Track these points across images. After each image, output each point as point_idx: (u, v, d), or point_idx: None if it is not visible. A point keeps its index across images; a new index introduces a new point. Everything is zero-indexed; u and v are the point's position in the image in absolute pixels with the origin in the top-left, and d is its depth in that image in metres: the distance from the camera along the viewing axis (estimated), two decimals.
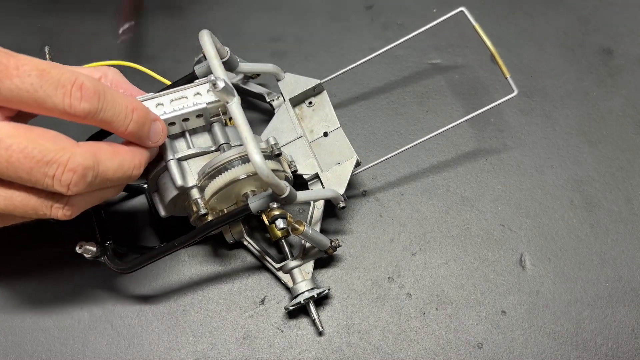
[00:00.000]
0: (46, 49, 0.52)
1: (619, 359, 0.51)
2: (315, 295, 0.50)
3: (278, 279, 0.52)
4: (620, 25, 0.67)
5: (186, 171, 0.47)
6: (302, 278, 0.50)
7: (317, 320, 0.51)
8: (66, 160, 0.37)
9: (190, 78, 0.49)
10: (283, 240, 0.52)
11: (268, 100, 0.56)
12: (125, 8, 0.55)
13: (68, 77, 0.37)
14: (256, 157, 0.40)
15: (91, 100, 0.38)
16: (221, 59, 0.47)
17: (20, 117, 0.40)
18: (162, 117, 0.45)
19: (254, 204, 0.44)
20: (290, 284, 0.51)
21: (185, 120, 0.47)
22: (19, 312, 0.52)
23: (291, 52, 0.65)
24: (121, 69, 0.52)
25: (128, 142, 0.43)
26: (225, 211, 0.48)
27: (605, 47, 0.66)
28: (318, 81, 0.55)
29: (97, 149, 0.39)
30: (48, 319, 0.52)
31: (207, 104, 0.46)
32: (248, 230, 0.52)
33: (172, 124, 0.46)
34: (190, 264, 0.54)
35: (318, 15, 0.68)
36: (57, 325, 0.52)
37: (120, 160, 0.41)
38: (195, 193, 0.47)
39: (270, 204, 0.44)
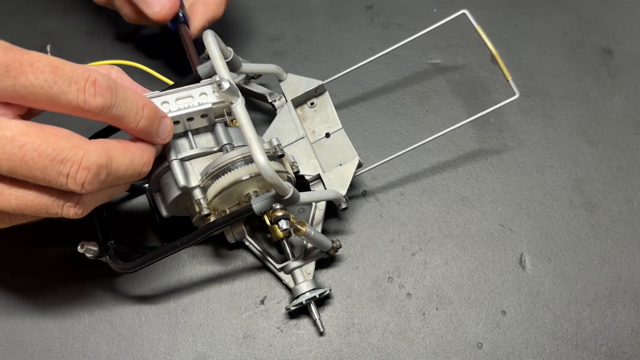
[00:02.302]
0: (48, 48, 0.52)
1: (619, 359, 0.51)
2: (317, 296, 0.50)
3: (279, 280, 0.52)
4: (620, 25, 0.67)
5: (189, 171, 0.47)
6: (304, 278, 0.50)
7: (318, 321, 0.51)
8: (80, 158, 0.37)
9: (193, 78, 0.49)
10: (284, 241, 0.52)
11: (270, 100, 0.56)
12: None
13: (81, 73, 0.37)
14: (260, 158, 0.40)
15: (105, 95, 0.38)
16: (225, 59, 0.47)
17: (27, 114, 0.40)
18: (169, 116, 0.45)
19: (257, 204, 0.44)
20: (291, 284, 0.51)
21: (190, 119, 0.47)
22: (19, 312, 0.52)
23: (291, 52, 0.65)
24: (123, 68, 0.53)
25: (135, 139, 0.43)
26: (228, 212, 0.48)
27: (605, 47, 0.66)
28: (320, 82, 0.55)
29: (109, 146, 0.39)
30: (48, 319, 0.52)
31: (213, 104, 0.46)
32: (249, 231, 0.52)
33: (176, 122, 0.46)
34: (190, 264, 0.54)
35: (318, 15, 0.68)
36: (57, 325, 0.52)
37: (131, 157, 0.41)
38: (197, 193, 0.46)
39: (273, 204, 0.44)
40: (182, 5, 0.55)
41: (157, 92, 0.46)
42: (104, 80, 0.38)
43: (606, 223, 0.57)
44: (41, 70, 0.36)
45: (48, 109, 0.38)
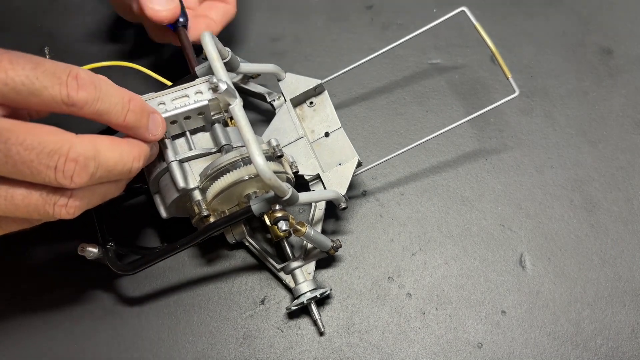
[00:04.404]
0: (46, 50, 0.52)
1: (619, 359, 0.51)
2: (318, 296, 0.50)
3: (279, 280, 0.52)
4: (620, 25, 0.67)
5: (187, 173, 0.47)
6: (304, 279, 0.50)
7: (318, 321, 0.51)
8: (67, 150, 0.37)
9: (191, 78, 0.49)
10: (284, 241, 0.52)
11: (269, 100, 0.56)
12: None
13: (63, 69, 0.37)
14: (258, 159, 0.40)
15: (88, 89, 0.37)
16: (222, 59, 0.47)
17: (11, 117, 0.39)
18: (164, 115, 0.45)
19: (256, 206, 0.44)
20: (292, 284, 0.51)
21: (187, 118, 0.47)
22: (20, 312, 0.52)
23: (291, 52, 0.65)
24: (121, 69, 0.53)
25: (126, 136, 0.43)
26: (227, 212, 0.48)
27: (605, 47, 0.66)
28: (319, 81, 0.55)
29: (96, 139, 0.39)
30: (49, 320, 0.52)
31: (209, 100, 0.46)
32: (249, 231, 0.52)
33: (173, 122, 0.46)
34: (190, 264, 0.54)
35: (318, 15, 0.68)
36: (57, 326, 0.52)
37: (120, 151, 0.40)
38: (197, 195, 0.47)
39: (272, 205, 0.44)
40: (182, 9, 0.55)
41: (152, 94, 0.46)
42: (86, 74, 0.38)
43: (606, 223, 0.57)
44: (22, 67, 0.36)
45: (31, 107, 0.38)
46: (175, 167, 0.46)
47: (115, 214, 0.53)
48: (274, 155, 0.47)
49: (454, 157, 0.60)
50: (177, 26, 0.55)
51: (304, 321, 0.52)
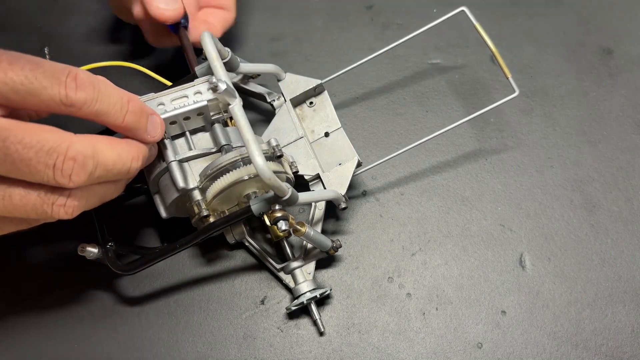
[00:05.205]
0: (46, 49, 0.52)
1: (619, 359, 0.51)
2: (318, 296, 0.50)
3: (279, 280, 0.52)
4: (620, 25, 0.67)
5: (187, 173, 0.47)
6: (304, 279, 0.50)
7: (318, 321, 0.51)
8: (65, 149, 0.37)
9: (191, 79, 0.49)
10: (284, 241, 0.52)
11: (269, 100, 0.56)
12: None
13: (62, 69, 0.37)
14: (258, 159, 0.40)
15: (86, 89, 0.37)
16: (222, 59, 0.47)
17: (10, 117, 0.39)
18: (164, 116, 0.45)
19: (255, 206, 0.44)
20: (291, 284, 0.51)
21: (187, 118, 0.47)
22: (20, 312, 0.52)
23: (291, 52, 0.65)
24: (121, 69, 0.53)
25: (126, 138, 0.43)
26: (227, 212, 0.48)
27: (605, 47, 0.66)
28: (319, 81, 0.55)
29: (94, 139, 0.39)
30: (48, 319, 0.52)
31: (208, 101, 0.46)
32: (249, 231, 0.52)
33: (173, 122, 0.46)
34: (190, 264, 0.54)
35: (318, 15, 0.68)
36: (57, 325, 0.52)
37: (118, 151, 0.40)
38: (196, 195, 0.47)
39: (272, 205, 0.44)
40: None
41: (151, 94, 0.46)
42: (85, 75, 0.38)
43: (606, 223, 0.56)
44: (21, 67, 0.36)
45: (30, 107, 0.38)
46: (175, 167, 0.46)
47: (115, 214, 0.53)
48: (274, 155, 0.47)
49: (454, 157, 0.60)
50: (178, 27, 0.55)
51: (304, 321, 0.52)
